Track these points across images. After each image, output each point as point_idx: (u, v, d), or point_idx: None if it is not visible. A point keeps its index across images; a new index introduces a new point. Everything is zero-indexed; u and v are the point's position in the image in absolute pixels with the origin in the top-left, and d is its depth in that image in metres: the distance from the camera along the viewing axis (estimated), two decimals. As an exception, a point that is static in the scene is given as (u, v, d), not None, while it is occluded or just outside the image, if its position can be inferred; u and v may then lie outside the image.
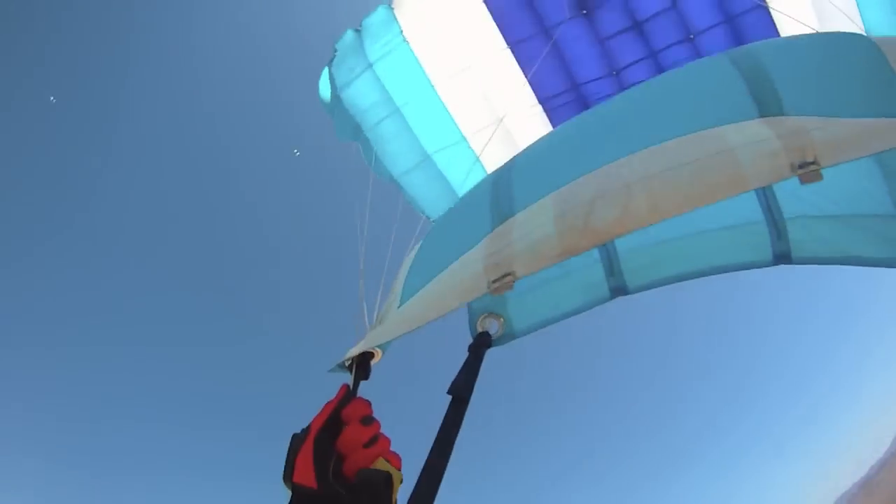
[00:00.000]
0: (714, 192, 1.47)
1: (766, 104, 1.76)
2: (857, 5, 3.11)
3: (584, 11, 3.55)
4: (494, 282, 1.60)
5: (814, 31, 3.27)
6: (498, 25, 3.70)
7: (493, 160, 3.84)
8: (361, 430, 1.21)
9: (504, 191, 2.08)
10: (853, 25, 3.11)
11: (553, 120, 3.70)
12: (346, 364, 1.69)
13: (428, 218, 4.14)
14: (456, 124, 3.92)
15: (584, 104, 3.65)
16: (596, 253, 2.51)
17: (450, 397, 1.63)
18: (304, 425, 1.23)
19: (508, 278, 1.63)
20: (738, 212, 2.46)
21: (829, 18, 3.15)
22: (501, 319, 2.43)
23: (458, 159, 3.98)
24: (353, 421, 1.22)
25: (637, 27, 3.50)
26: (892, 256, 2.13)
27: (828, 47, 2.09)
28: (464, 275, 1.73)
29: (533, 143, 2.27)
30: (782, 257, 2.39)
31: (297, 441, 1.18)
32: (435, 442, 1.49)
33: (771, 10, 3.33)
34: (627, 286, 2.51)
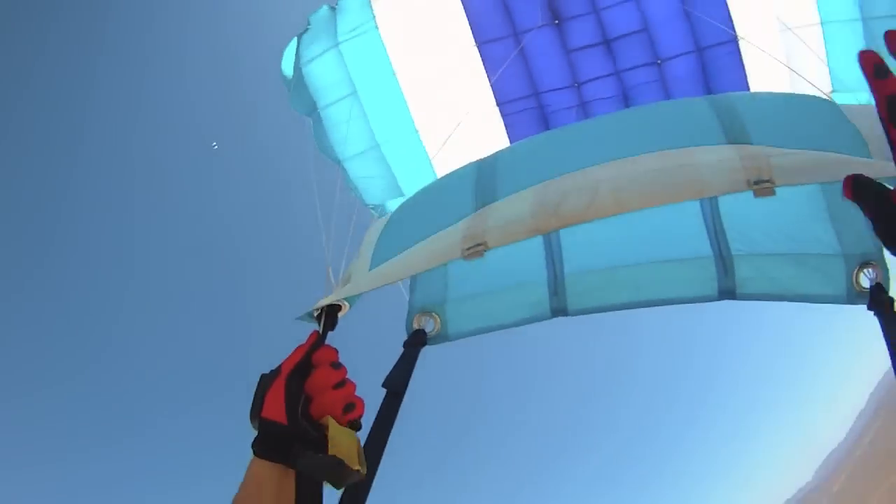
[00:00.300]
0: (673, 194, 1.63)
1: (734, 134, 1.90)
2: (825, 43, 3.02)
3: (557, 21, 3.47)
4: (468, 249, 1.76)
5: (782, 73, 3.19)
6: (470, 23, 3.62)
7: (443, 157, 3.66)
8: (331, 373, 1.24)
9: (488, 180, 2.18)
10: (820, 63, 3.00)
11: (508, 125, 3.55)
12: (315, 314, 1.77)
13: (365, 204, 3.91)
14: (411, 116, 3.76)
15: (541, 113, 3.50)
16: (544, 273, 2.59)
17: (385, 391, 1.80)
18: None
19: (480, 247, 1.80)
20: (688, 246, 2.54)
21: (796, 55, 3.04)
22: (438, 319, 2.51)
23: (406, 152, 3.80)
24: (323, 364, 1.26)
25: (606, 44, 3.41)
26: (835, 293, 2.22)
27: (794, 101, 2.29)
28: (441, 243, 1.90)
29: (518, 143, 2.47)
30: (727, 293, 2.44)
31: (266, 379, 1.21)
32: (369, 435, 1.62)
33: (741, 46, 3.23)
34: (568, 308, 2.55)
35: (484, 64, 3.57)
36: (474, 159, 2.47)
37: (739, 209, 2.44)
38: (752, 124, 1.94)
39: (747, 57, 3.25)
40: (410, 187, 3.86)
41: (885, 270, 2.10)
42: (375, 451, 1.66)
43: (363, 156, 3.92)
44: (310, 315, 1.79)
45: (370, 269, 2.06)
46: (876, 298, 1.97)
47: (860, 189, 0.97)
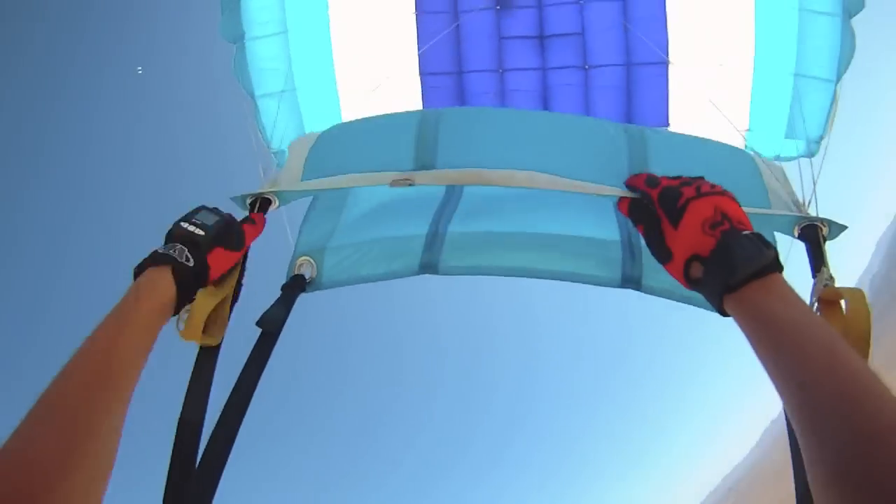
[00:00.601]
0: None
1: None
2: (752, 86, 2.92)
3: (498, 6, 3.37)
4: (396, 181, 1.89)
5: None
6: (415, -9, 3.52)
7: (354, 113, 3.48)
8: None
9: (430, 143, 2.13)
10: (742, 104, 2.89)
11: (425, 96, 3.37)
12: (248, 201, 1.85)
13: (268, 147, 3.68)
14: (333, 69, 3.59)
15: (459, 91, 3.34)
16: (426, 228, 2.42)
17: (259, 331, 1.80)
18: None
19: (408, 181, 1.93)
20: (596, 227, 2.39)
21: (722, 88, 2.93)
22: (314, 266, 2.40)
23: (320, 103, 3.62)
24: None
25: (540, 39, 3.29)
26: None
27: (710, 148, 2.22)
28: (368, 179, 1.97)
29: (459, 114, 2.26)
30: (632, 281, 2.29)
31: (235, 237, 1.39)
32: (242, 373, 1.65)
33: (669, 70, 3.12)
34: (439, 264, 2.39)
35: (418, 33, 3.43)
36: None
37: None
38: (656, 167, 1.91)
39: (673, 81, 3.13)
40: (316, 140, 3.67)
41: None
42: (247, 389, 1.68)
43: (277, 96, 3.73)
44: (243, 200, 1.87)
45: (301, 178, 2.06)
46: None
47: (635, 209, 1.24)
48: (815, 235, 1.86)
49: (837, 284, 1.63)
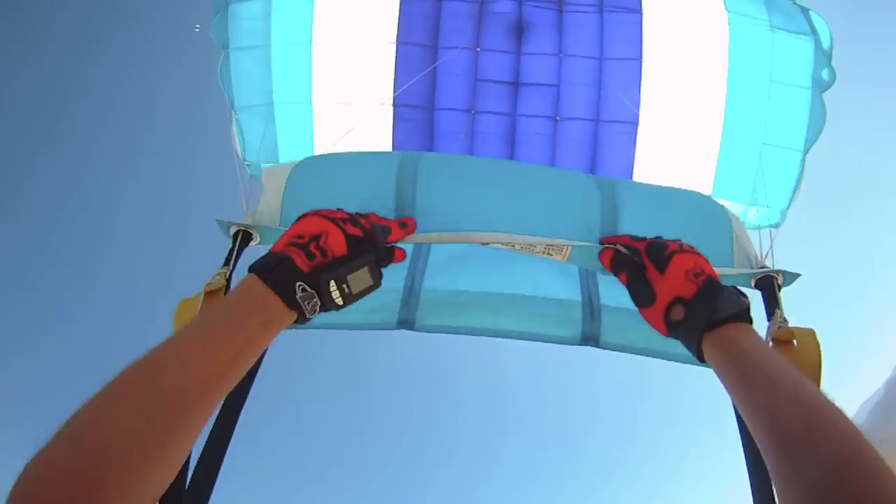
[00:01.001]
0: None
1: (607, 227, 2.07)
2: (719, 152, 2.96)
3: (478, 48, 3.38)
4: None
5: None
6: (399, 22, 3.53)
7: (326, 135, 3.51)
8: None
9: (409, 195, 2.21)
10: (709, 167, 2.93)
11: (395, 127, 3.39)
12: (232, 232, 1.84)
13: (243, 159, 3.70)
14: (311, 88, 3.60)
15: (430, 127, 3.36)
16: (402, 281, 2.48)
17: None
18: None
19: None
20: (559, 288, 2.51)
21: (689, 151, 2.97)
22: None
23: (295, 120, 3.63)
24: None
25: (515, 85, 3.31)
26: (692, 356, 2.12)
27: (681, 199, 2.31)
28: None
29: (439, 164, 2.29)
30: (590, 339, 2.41)
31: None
32: (223, 406, 1.61)
33: (638, 129, 3.14)
34: (416, 321, 2.48)
35: (396, 62, 3.44)
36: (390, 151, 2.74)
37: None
38: (627, 219, 2.09)
39: (640, 142, 3.16)
40: (286, 155, 3.68)
41: None
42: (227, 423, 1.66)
43: (255, 109, 3.76)
44: (227, 228, 1.89)
45: (280, 221, 2.11)
46: None
47: (618, 261, 1.34)
48: (770, 284, 2.00)
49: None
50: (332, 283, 1.17)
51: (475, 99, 3.33)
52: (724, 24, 3.30)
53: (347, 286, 1.21)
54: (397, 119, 3.41)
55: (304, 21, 3.67)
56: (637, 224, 2.00)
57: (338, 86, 3.58)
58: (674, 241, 1.27)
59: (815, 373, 1.63)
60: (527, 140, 3.25)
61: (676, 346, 2.40)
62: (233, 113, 3.82)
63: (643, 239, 1.32)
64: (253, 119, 3.77)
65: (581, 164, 3.19)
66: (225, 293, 1.74)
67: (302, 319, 1.14)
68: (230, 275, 2.11)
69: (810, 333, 1.78)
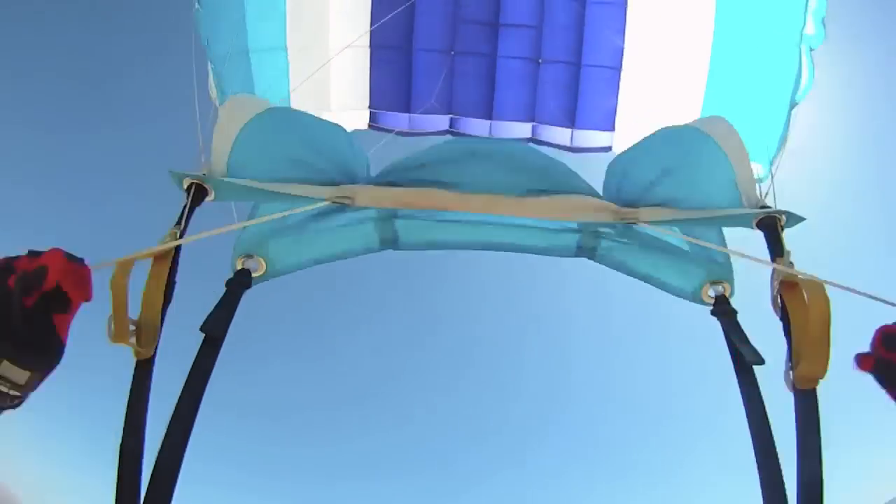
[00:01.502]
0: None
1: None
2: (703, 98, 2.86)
3: (458, -12, 3.28)
4: (334, 200, 2.21)
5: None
6: (378, -36, 3.43)
7: (304, 83, 3.37)
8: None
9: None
10: (695, 108, 2.85)
11: (372, 69, 3.26)
12: (185, 185, 1.83)
13: (217, 105, 3.54)
14: (286, 34, 3.47)
15: (408, 68, 3.24)
16: (374, 212, 2.49)
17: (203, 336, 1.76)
18: None
19: (347, 200, 2.24)
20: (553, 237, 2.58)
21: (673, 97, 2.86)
22: (263, 260, 2.41)
23: (270, 68, 3.50)
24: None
25: (495, 26, 3.19)
26: (684, 289, 2.47)
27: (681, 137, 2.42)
28: (307, 191, 2.26)
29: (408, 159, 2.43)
30: (587, 251, 2.54)
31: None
32: (185, 385, 1.57)
33: (621, 76, 3.04)
34: (399, 239, 2.54)
35: (372, 6, 3.32)
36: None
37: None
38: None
39: (623, 88, 3.05)
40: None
41: (732, 290, 2.40)
42: (192, 402, 1.56)
43: (230, 57, 3.60)
44: (179, 180, 1.85)
45: (227, 168, 2.22)
46: (719, 307, 2.29)
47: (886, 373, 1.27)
48: (773, 225, 2.02)
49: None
50: None
51: (454, 39, 3.21)
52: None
53: (6, 380, 0.98)
54: (374, 62, 3.29)
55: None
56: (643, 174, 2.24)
57: (312, 29, 3.45)
58: None
59: (822, 329, 1.62)
60: (506, 83, 3.14)
61: (674, 278, 2.46)
62: (209, 63, 3.69)
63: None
64: (227, 65, 3.63)
65: (562, 108, 3.08)
66: (175, 258, 1.66)
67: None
68: (182, 233, 1.95)
69: (818, 286, 1.70)
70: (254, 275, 2.33)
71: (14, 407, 0.99)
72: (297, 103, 3.31)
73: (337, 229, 2.52)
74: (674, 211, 2.26)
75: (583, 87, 3.09)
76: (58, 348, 1.04)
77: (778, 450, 1.83)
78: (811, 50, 3.17)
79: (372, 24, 3.30)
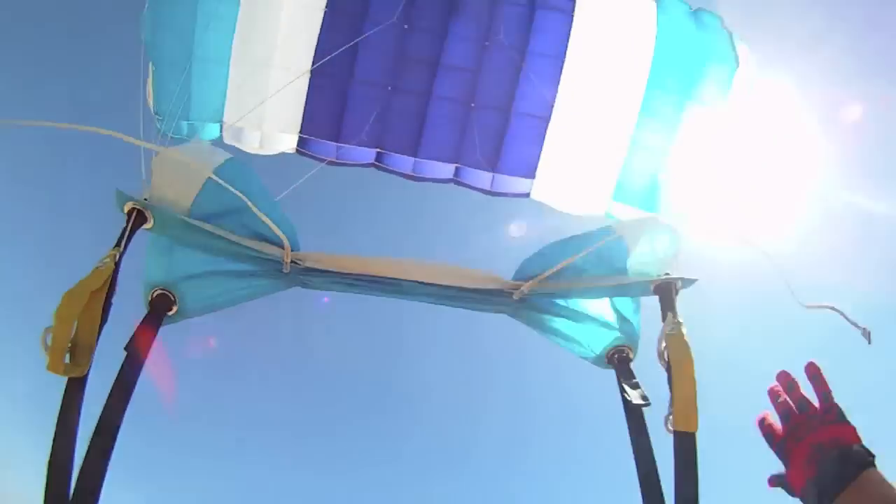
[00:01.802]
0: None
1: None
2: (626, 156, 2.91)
3: (406, 26, 3.31)
4: (290, 263, 2.45)
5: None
6: (331, -9, 3.45)
7: (240, 98, 3.38)
8: None
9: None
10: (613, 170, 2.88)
11: (309, 94, 3.28)
12: (127, 209, 1.89)
13: (155, 114, 3.54)
14: (231, 49, 3.47)
15: (343, 98, 3.25)
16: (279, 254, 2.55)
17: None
18: None
19: (301, 264, 2.50)
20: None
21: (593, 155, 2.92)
22: (174, 296, 2.44)
23: (210, 77, 3.48)
24: None
25: (434, 66, 3.24)
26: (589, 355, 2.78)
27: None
28: (264, 250, 2.52)
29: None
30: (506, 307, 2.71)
31: None
32: (108, 399, 1.68)
33: (548, 127, 3.08)
34: (308, 282, 2.64)
35: (321, 29, 3.35)
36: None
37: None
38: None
39: (549, 136, 3.11)
40: (198, 114, 3.53)
41: (635, 354, 2.68)
42: (110, 423, 1.63)
43: (172, 64, 3.60)
44: (122, 203, 1.89)
45: (190, 213, 2.32)
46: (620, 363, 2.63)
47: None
48: (668, 289, 2.28)
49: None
50: None
51: (394, 75, 3.25)
52: (650, 45, 3.24)
53: None
54: (312, 87, 3.31)
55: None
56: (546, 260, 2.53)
57: (258, 47, 3.46)
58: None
59: (689, 388, 1.91)
60: (437, 122, 3.20)
61: (574, 343, 2.67)
62: (150, 65, 3.67)
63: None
64: (168, 72, 3.62)
65: (486, 152, 3.12)
66: (114, 280, 1.70)
67: None
68: (120, 258, 1.94)
69: (683, 349, 1.98)
70: (168, 313, 2.39)
71: None
72: (230, 117, 3.32)
73: (254, 279, 2.62)
74: (557, 284, 2.55)
75: (509, 134, 3.15)
76: None
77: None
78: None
79: (317, 50, 3.33)
